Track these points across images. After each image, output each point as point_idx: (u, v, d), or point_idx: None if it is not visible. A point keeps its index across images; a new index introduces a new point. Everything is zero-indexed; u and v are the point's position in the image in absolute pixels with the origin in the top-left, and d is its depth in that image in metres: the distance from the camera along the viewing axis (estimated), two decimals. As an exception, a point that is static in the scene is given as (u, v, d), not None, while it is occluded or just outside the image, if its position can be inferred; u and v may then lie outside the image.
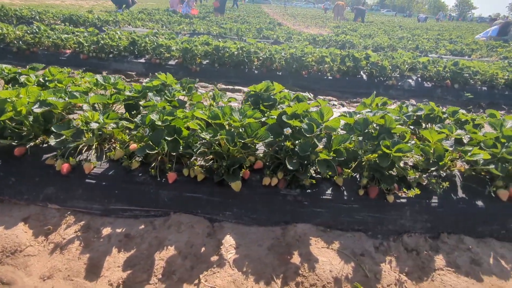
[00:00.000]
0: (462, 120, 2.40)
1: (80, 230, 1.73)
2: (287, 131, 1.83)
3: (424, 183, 1.90)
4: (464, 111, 2.51)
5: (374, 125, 2.11)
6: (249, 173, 1.87)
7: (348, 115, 2.12)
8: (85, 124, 1.91)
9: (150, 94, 2.26)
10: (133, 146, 1.93)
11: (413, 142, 2.00)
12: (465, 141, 2.19)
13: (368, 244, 1.75)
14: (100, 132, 2.06)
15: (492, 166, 1.81)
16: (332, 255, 1.65)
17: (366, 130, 2.00)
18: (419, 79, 5.21)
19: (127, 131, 2.10)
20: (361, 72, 5.23)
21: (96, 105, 2.36)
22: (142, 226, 1.79)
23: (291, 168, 1.73)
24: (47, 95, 2.01)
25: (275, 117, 1.98)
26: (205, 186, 1.85)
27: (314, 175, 1.91)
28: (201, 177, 1.84)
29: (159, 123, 1.85)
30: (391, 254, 1.71)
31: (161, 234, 1.73)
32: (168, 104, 2.26)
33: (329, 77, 5.16)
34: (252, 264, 1.60)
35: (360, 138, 1.98)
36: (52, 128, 1.85)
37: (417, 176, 1.88)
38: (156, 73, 2.85)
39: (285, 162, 1.76)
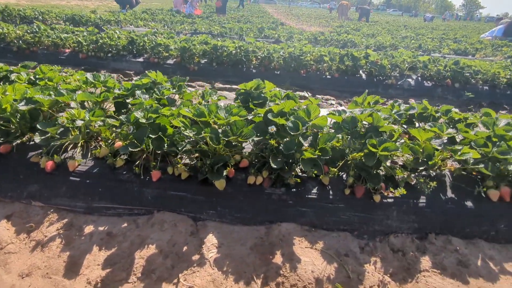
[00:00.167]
0: (456, 119, 2.35)
1: (63, 228, 1.72)
2: (272, 129, 1.80)
3: (412, 183, 1.86)
4: (457, 110, 2.46)
5: (364, 123, 2.08)
6: (234, 172, 1.84)
7: (336, 113, 2.09)
8: (71, 122, 1.91)
9: (138, 92, 2.25)
10: (118, 144, 1.91)
11: (402, 141, 1.96)
12: (458, 140, 2.15)
13: (353, 244, 1.71)
14: (88, 130, 2.05)
15: (482, 166, 1.76)
16: (315, 255, 1.63)
17: (354, 129, 1.97)
18: (419, 78, 5.14)
19: (114, 129, 2.09)
20: (360, 71, 5.17)
21: (86, 103, 2.36)
22: (125, 224, 1.77)
23: (275, 166, 1.71)
24: (34, 93, 2.01)
25: (262, 115, 1.96)
26: (190, 184, 1.83)
27: (300, 174, 1.88)
28: (185, 175, 1.82)
29: (143, 120, 1.84)
30: (377, 255, 1.67)
31: (144, 232, 1.72)
32: (156, 102, 2.25)
33: (328, 76, 5.12)
34: (233, 263, 1.57)
35: (349, 136, 1.95)
36: (38, 126, 1.85)
37: (405, 176, 1.84)
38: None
39: (269, 161, 1.74)
